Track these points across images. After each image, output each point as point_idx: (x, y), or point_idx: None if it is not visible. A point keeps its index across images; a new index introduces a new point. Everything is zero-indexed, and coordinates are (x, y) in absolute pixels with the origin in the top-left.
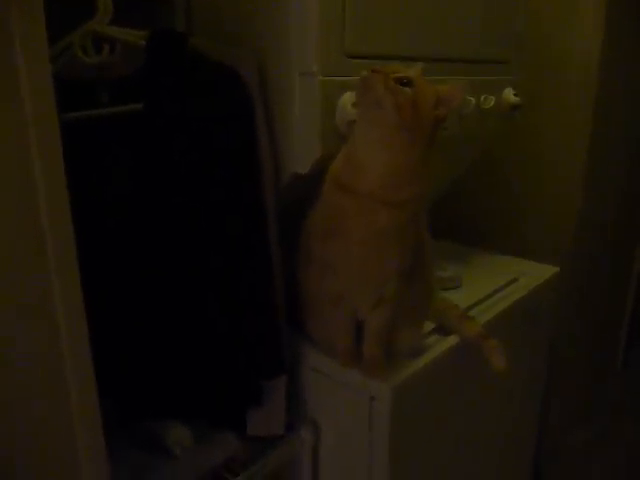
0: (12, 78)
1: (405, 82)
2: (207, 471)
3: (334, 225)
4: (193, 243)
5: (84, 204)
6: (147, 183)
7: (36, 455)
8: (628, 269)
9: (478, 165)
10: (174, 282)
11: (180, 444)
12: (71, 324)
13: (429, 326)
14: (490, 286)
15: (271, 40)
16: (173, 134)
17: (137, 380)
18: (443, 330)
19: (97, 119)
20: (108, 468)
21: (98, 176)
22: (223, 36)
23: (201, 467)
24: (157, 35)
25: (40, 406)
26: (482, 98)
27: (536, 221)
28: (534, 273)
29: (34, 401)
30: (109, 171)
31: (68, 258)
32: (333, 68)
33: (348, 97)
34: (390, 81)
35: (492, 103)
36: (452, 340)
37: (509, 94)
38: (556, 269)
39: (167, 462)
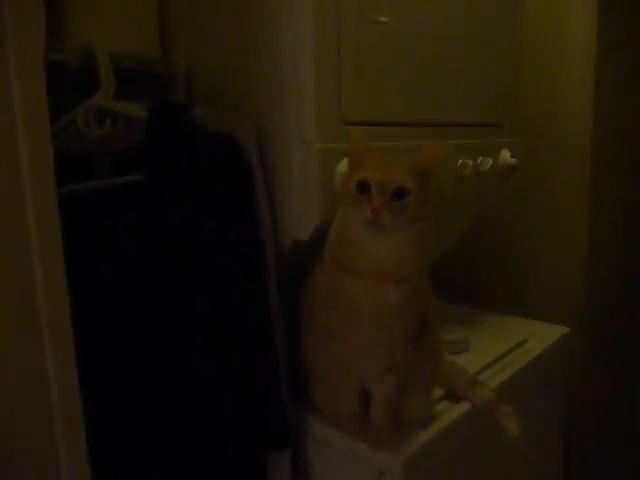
0: (13, 155)
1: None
2: None
3: (338, 298)
4: (195, 311)
5: (86, 276)
6: (150, 251)
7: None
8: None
9: (479, 227)
10: (176, 355)
11: None
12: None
13: (438, 392)
14: (499, 349)
15: (269, 108)
16: (173, 204)
17: (136, 459)
18: (453, 396)
19: (99, 191)
20: None
21: (101, 247)
22: (223, 105)
23: None
24: (157, 108)
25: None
26: (479, 160)
27: (542, 279)
28: (543, 334)
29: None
30: (112, 242)
31: (62, 323)
32: (331, 135)
33: (346, 163)
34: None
35: (489, 165)
36: (463, 407)
37: (505, 155)
38: (566, 329)
39: None
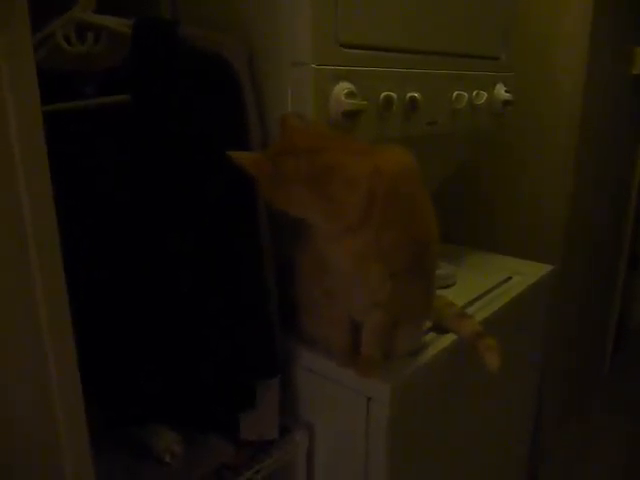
0: None
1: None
2: (199, 478)
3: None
4: (184, 237)
5: (68, 198)
6: (135, 174)
7: (18, 459)
8: (614, 278)
9: (472, 166)
10: (164, 281)
11: (170, 451)
12: (56, 326)
13: (426, 324)
14: (485, 284)
15: (262, 29)
16: (161, 124)
17: (126, 383)
18: (440, 328)
19: (82, 111)
20: (93, 475)
21: (83, 170)
22: (211, 25)
23: (193, 474)
24: (144, 23)
25: (23, 408)
26: (474, 93)
27: (529, 221)
28: (528, 271)
29: (17, 403)
30: (95, 164)
31: (52, 257)
32: (326, 57)
33: (342, 87)
34: None
35: (484, 98)
36: (449, 338)
37: (500, 90)
38: (550, 267)
39: (158, 469)
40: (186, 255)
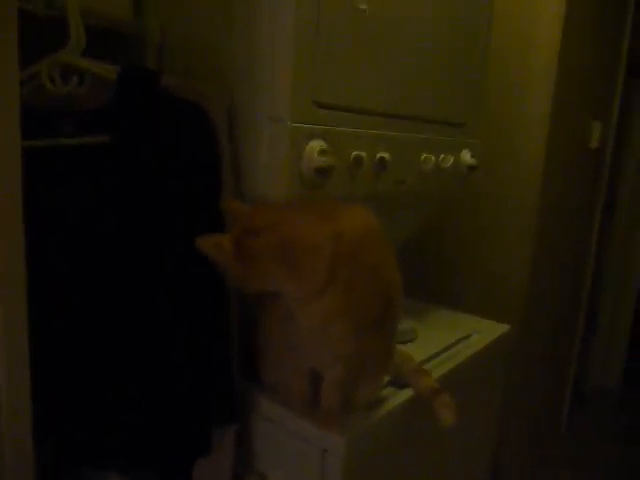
0: None
1: None
2: None
3: None
4: (149, 276)
5: (39, 233)
6: (111, 212)
7: None
8: (572, 338)
9: (437, 226)
10: (128, 320)
11: None
12: (13, 353)
13: (384, 378)
14: (444, 341)
15: (241, 82)
16: (137, 168)
17: (80, 423)
18: (398, 382)
19: (60, 150)
20: None
21: (56, 208)
22: (194, 74)
23: None
24: (129, 71)
25: None
26: (441, 157)
27: (490, 282)
28: (487, 330)
29: None
30: (70, 202)
31: (16, 285)
32: (302, 116)
33: (315, 144)
34: None
35: (450, 162)
36: (407, 394)
37: (466, 155)
38: (507, 327)
39: None
40: (151, 298)
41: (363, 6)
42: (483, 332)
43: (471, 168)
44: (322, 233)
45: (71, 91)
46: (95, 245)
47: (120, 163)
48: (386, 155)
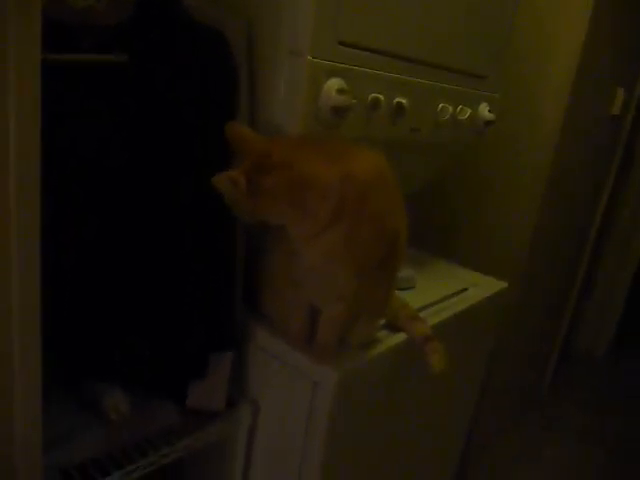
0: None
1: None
2: (141, 439)
3: None
4: (164, 200)
5: (54, 151)
6: (125, 131)
7: None
8: (567, 293)
9: (446, 178)
10: (133, 243)
11: (117, 409)
12: (24, 272)
13: (381, 321)
14: (441, 292)
15: (265, 13)
16: (155, 88)
17: (82, 337)
18: (393, 327)
19: (75, 65)
20: (40, 419)
21: (70, 131)
22: (217, 2)
23: (136, 434)
24: None
25: None
26: (459, 108)
27: (494, 238)
28: (484, 285)
29: None
30: (89, 119)
31: (30, 204)
32: (323, 52)
33: (334, 82)
34: None
35: (467, 114)
36: (400, 337)
37: (484, 109)
38: (504, 284)
39: (101, 425)
40: (166, 221)
41: None
42: (481, 287)
43: (488, 123)
44: (331, 175)
45: (90, 4)
46: (109, 172)
47: (134, 84)
48: (404, 100)
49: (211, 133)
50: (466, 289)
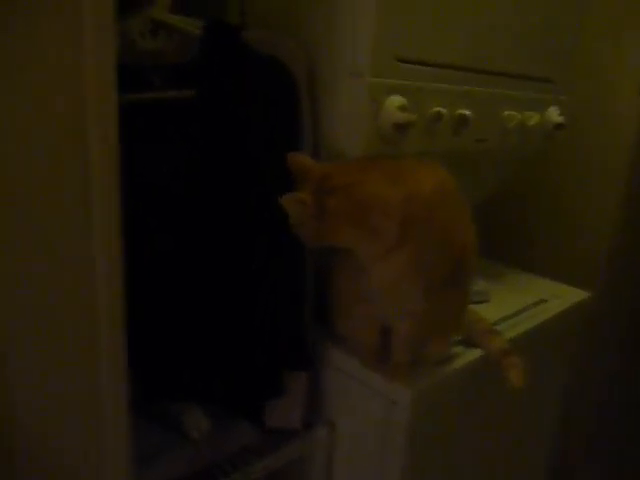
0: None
1: None
2: (223, 457)
3: None
4: (231, 230)
5: (135, 184)
6: (196, 163)
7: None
8: None
9: (518, 182)
10: (206, 265)
11: (198, 427)
12: (109, 301)
13: (456, 337)
14: (518, 304)
15: (323, 37)
16: (222, 121)
17: (162, 359)
18: (469, 342)
19: (147, 103)
20: (130, 440)
21: (150, 159)
22: (275, 29)
23: (218, 452)
24: (212, 26)
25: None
26: (526, 114)
27: (572, 245)
28: (564, 296)
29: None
30: (161, 153)
31: (112, 231)
32: (383, 71)
33: (394, 100)
34: None
35: (536, 120)
36: (476, 353)
37: (553, 113)
38: (587, 294)
39: (184, 444)
40: (237, 244)
41: None
42: (560, 297)
43: (558, 126)
44: (395, 195)
45: (160, 46)
46: (182, 201)
47: (204, 117)
48: (467, 112)
49: (276, 162)
50: (545, 300)
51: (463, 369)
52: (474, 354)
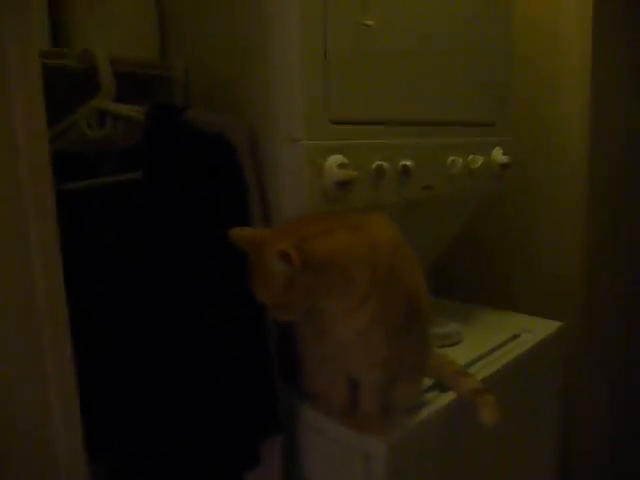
0: (12, 153)
1: None
2: None
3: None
4: (188, 303)
5: (87, 268)
6: (145, 245)
7: None
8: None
9: (476, 224)
10: (168, 340)
11: None
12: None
13: (427, 382)
14: (491, 342)
15: (259, 107)
16: (168, 201)
17: (128, 438)
18: (441, 386)
19: (99, 189)
20: None
21: (101, 240)
22: (218, 104)
23: None
24: (154, 110)
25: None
26: (470, 158)
27: (539, 276)
28: (537, 329)
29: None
30: (111, 235)
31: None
32: (319, 134)
33: (334, 159)
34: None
35: (480, 163)
36: (450, 396)
37: (498, 153)
38: (559, 324)
39: None
40: (190, 320)
41: (370, 22)
42: (533, 331)
43: (504, 166)
44: (363, 244)
45: (107, 134)
46: (132, 273)
47: (151, 197)
48: (409, 162)
49: (223, 231)
50: (518, 335)
51: (437, 414)
52: (447, 398)
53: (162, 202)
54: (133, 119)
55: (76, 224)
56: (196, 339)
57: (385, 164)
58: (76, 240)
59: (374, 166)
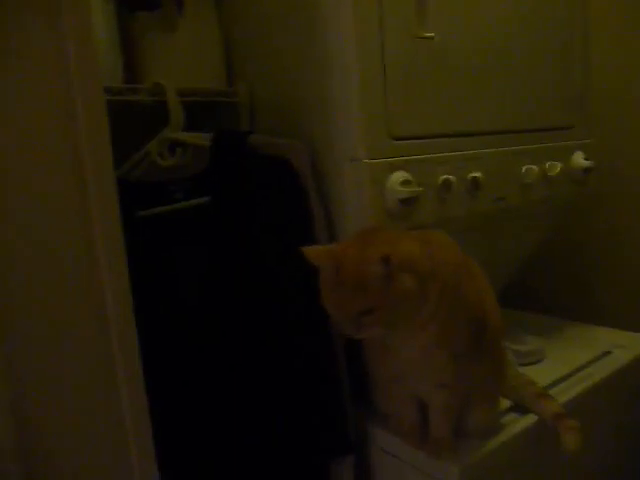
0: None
1: None
2: None
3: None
4: (259, 322)
5: (161, 293)
6: (216, 266)
7: None
8: None
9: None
10: (238, 359)
11: None
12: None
13: (505, 404)
14: (577, 360)
15: (320, 128)
16: (236, 223)
17: (200, 463)
18: (520, 409)
19: (172, 213)
20: None
21: (174, 263)
22: (281, 127)
23: None
24: (220, 136)
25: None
26: (547, 165)
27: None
28: (631, 344)
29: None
30: (184, 257)
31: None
32: (379, 152)
33: (397, 176)
34: None
35: (558, 169)
36: (529, 420)
37: (578, 158)
38: None
39: None
40: (265, 343)
41: (429, 34)
42: (626, 346)
43: (587, 170)
44: (430, 260)
45: (178, 162)
46: (205, 298)
47: (218, 220)
48: (478, 174)
49: (291, 254)
50: (609, 352)
51: (514, 438)
52: (526, 421)
53: (229, 224)
54: (201, 146)
55: (149, 251)
56: (269, 361)
57: (452, 177)
58: (152, 261)
59: (440, 180)
